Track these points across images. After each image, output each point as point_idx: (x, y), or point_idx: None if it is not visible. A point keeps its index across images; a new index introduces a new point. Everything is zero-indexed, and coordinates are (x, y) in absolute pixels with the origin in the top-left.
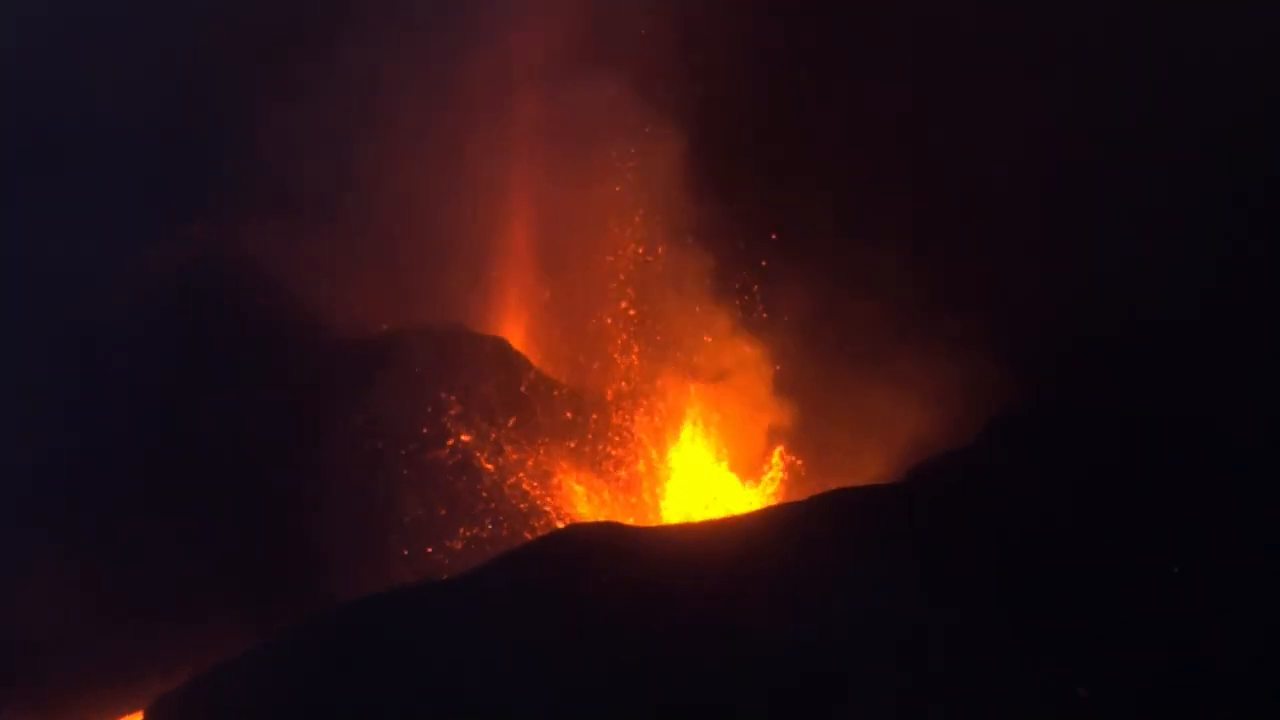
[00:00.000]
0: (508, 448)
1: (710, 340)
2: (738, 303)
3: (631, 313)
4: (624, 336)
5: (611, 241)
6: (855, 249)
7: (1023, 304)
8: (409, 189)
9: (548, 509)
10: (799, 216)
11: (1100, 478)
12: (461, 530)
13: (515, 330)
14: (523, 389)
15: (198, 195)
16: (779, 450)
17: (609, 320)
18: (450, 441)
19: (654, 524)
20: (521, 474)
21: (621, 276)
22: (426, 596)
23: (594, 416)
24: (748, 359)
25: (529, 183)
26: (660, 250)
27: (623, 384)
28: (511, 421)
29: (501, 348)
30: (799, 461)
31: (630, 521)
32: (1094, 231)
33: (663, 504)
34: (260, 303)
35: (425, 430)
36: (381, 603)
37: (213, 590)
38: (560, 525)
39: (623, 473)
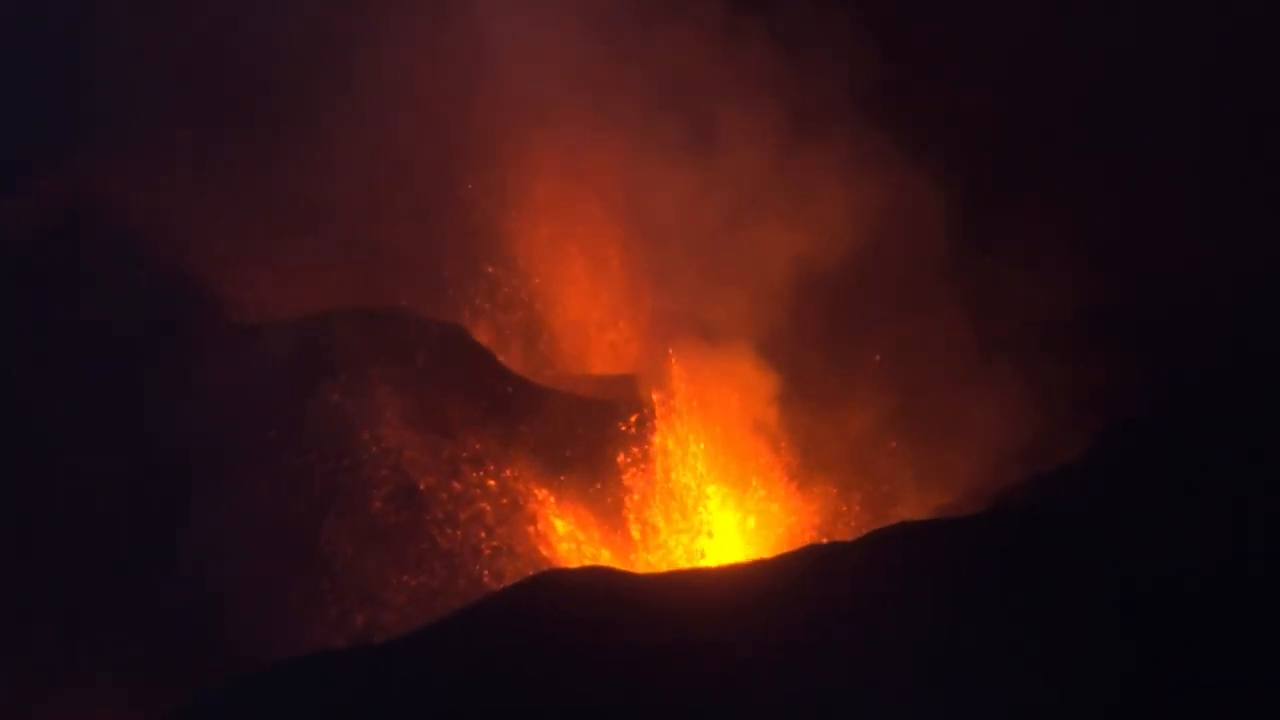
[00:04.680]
0: (465, 467)
1: (752, 320)
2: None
3: (635, 302)
4: (624, 326)
5: (611, 206)
6: (937, 230)
7: (1149, 292)
8: (337, 131)
9: (519, 549)
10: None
11: (1248, 503)
12: (405, 578)
13: (476, 315)
14: (487, 390)
15: (51, 139)
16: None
17: (603, 307)
18: (390, 459)
19: (657, 570)
20: (485, 503)
21: (623, 254)
22: (358, 665)
23: (580, 429)
24: (792, 352)
25: (505, 126)
26: (682, 225)
27: (622, 386)
28: (471, 433)
29: (458, 337)
30: (851, 484)
31: (627, 566)
32: (1231, 220)
33: (670, 543)
34: (138, 279)
35: (358, 444)
36: (299, 673)
37: (84, 655)
38: (535, 571)
39: (619, 502)
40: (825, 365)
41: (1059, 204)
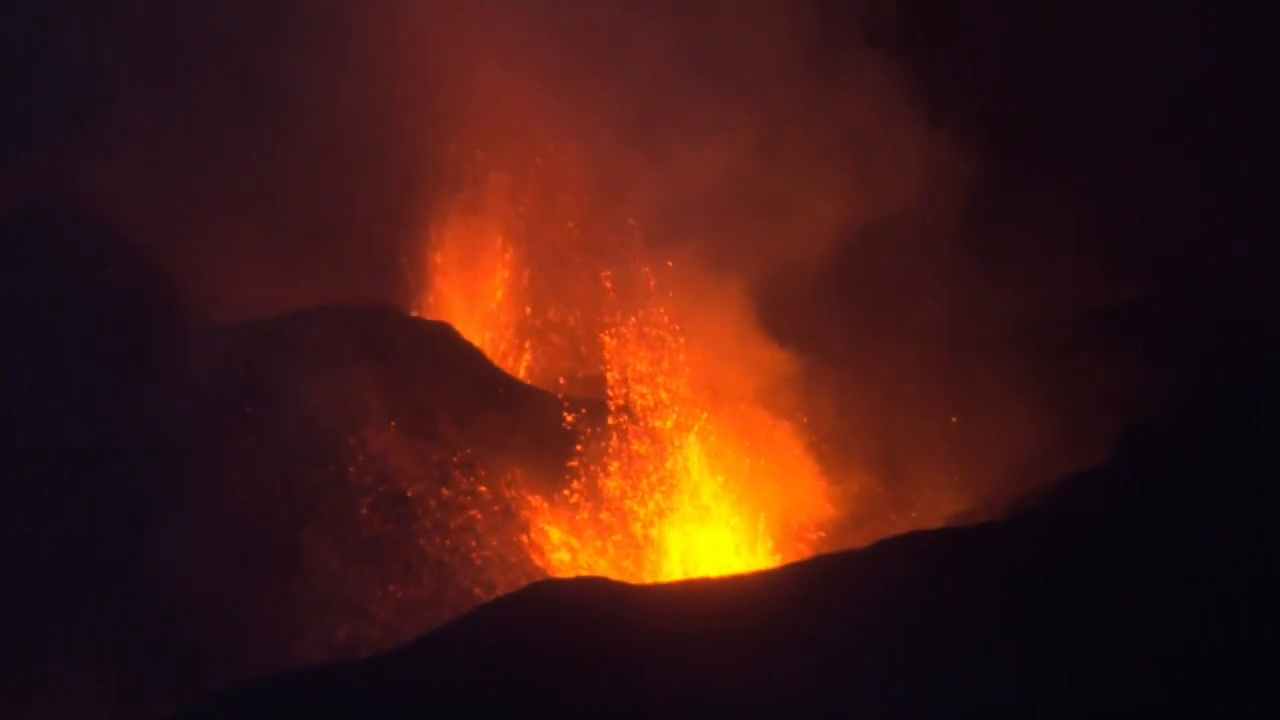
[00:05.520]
0: (455, 473)
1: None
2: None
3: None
4: (621, 319)
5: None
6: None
7: (1169, 295)
8: (318, 123)
9: (511, 560)
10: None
11: (1268, 510)
12: (391, 590)
13: (465, 314)
14: (478, 391)
15: (15, 131)
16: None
17: (600, 301)
18: (376, 465)
19: (657, 581)
20: (475, 511)
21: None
22: (341, 681)
23: (578, 432)
24: (799, 353)
25: (494, 108)
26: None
27: (619, 388)
28: (461, 437)
29: (446, 336)
30: (864, 489)
31: (625, 577)
32: (1255, 223)
33: (670, 554)
34: (107, 276)
35: (342, 450)
36: (280, 688)
37: (63, 670)
38: (528, 581)
39: (615, 511)
40: (830, 364)
41: (1080, 201)
